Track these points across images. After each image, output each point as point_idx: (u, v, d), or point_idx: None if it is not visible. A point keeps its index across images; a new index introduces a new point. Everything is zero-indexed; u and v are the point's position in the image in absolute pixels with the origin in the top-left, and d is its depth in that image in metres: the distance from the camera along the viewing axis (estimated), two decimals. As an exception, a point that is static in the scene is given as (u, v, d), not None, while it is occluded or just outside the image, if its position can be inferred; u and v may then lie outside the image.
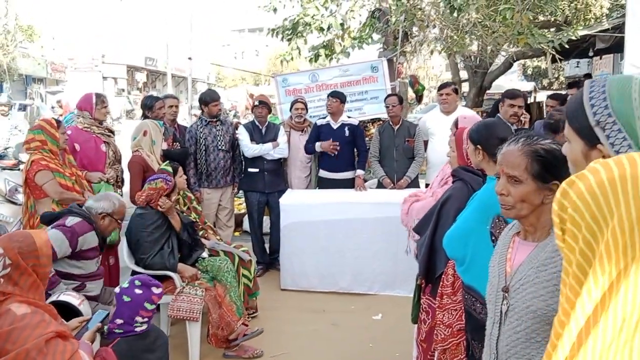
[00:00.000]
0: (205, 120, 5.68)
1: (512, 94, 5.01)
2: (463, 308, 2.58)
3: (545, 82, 30.56)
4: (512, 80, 26.51)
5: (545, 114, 5.78)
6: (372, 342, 4.28)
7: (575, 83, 6.16)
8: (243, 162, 5.86)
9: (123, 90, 37.62)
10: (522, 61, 21.09)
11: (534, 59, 22.49)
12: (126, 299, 2.70)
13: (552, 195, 1.55)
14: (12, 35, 23.35)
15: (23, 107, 24.71)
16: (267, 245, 6.05)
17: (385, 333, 4.42)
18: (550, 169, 1.57)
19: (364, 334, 4.44)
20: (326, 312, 4.88)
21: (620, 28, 8.92)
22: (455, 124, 3.22)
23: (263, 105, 5.77)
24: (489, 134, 2.57)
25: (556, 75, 26.64)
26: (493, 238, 2.42)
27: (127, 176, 5.01)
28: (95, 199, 3.65)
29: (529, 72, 30.34)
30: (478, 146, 2.59)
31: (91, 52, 38.25)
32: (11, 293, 2.12)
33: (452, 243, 2.56)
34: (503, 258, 1.68)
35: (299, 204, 5.38)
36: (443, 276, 2.72)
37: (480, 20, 7.09)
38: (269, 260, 5.94)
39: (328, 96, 5.87)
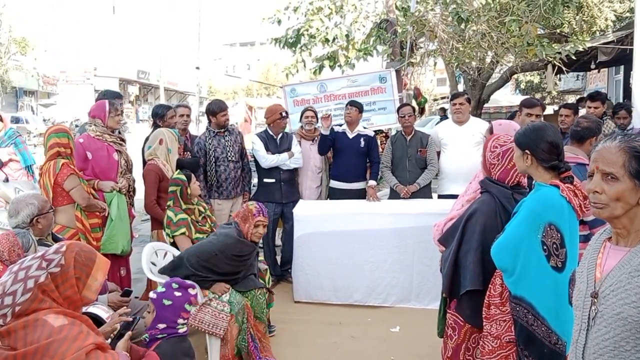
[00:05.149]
0: (214, 132, 5.58)
1: (529, 103, 4.94)
2: (512, 319, 2.49)
3: (537, 96, 30.79)
4: (505, 94, 26.72)
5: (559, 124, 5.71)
6: (394, 355, 4.18)
7: (597, 95, 6.17)
8: (257, 173, 5.78)
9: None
10: (515, 75, 21.28)
11: (527, 73, 22.70)
12: (167, 302, 2.66)
13: None
14: (6, 47, 23.23)
15: (15, 120, 24.57)
16: (277, 257, 5.95)
17: (406, 346, 4.33)
18: None
19: (384, 346, 4.34)
20: (343, 324, 4.77)
21: (622, 41, 8.99)
22: (490, 130, 3.14)
23: (287, 116, 5.78)
24: (538, 137, 2.49)
25: (548, 90, 26.85)
26: (545, 247, 2.35)
27: (139, 185, 4.91)
28: (11, 214, 3.26)
29: (522, 86, 30.57)
30: (526, 151, 2.51)
31: (83, 65, 38.16)
32: (49, 294, 2.02)
33: (501, 253, 2.47)
34: (593, 263, 1.61)
35: (313, 215, 5.28)
36: (490, 285, 2.63)
37: (488, 31, 7.09)
38: (280, 272, 5.84)
39: (346, 105, 5.82)
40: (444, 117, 16.90)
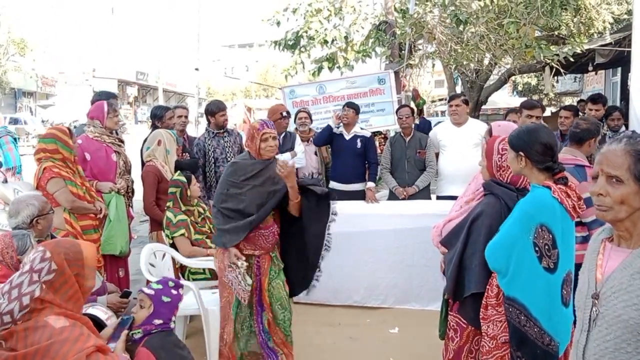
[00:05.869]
0: (213, 132, 5.58)
1: (530, 105, 4.91)
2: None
3: (535, 98, 30.79)
4: (503, 96, 26.75)
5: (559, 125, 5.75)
6: (393, 356, 4.19)
7: (598, 97, 6.20)
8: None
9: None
10: (512, 77, 21.38)
11: (524, 75, 22.75)
12: (166, 299, 2.67)
13: None
14: (5, 48, 23.23)
15: (14, 121, 24.56)
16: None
17: (405, 347, 4.33)
18: None
19: (383, 347, 4.35)
20: (342, 325, 4.78)
21: (620, 43, 9.02)
22: (489, 132, 3.14)
23: (289, 116, 5.80)
24: (532, 139, 2.50)
25: (545, 92, 26.89)
26: (536, 249, 2.35)
27: (138, 186, 4.91)
28: (12, 214, 3.24)
29: (519, 88, 30.63)
30: (520, 153, 2.52)
31: (82, 66, 38.15)
32: (50, 302, 2.01)
33: (495, 254, 2.48)
34: (593, 264, 1.61)
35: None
36: (487, 286, 2.63)
37: (486, 33, 7.11)
38: (280, 272, 5.83)
39: (343, 106, 5.81)
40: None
